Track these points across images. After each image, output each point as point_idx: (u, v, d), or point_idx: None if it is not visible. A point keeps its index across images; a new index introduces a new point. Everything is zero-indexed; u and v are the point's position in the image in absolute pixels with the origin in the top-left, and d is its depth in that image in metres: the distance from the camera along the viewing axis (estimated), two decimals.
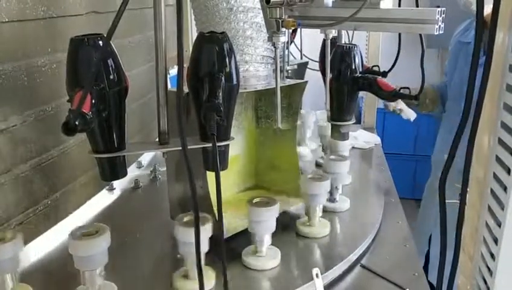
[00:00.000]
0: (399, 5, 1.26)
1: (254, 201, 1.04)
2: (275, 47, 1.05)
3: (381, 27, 0.99)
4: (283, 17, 1.02)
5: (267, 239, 1.05)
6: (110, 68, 0.84)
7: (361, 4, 0.95)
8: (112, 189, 1.50)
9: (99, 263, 0.86)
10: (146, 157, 1.77)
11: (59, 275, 1.01)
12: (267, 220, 1.02)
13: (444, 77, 2.15)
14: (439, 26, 0.90)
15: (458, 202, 0.67)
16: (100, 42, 0.83)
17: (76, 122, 0.74)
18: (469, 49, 1.87)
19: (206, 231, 0.90)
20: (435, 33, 0.90)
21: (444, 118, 2.07)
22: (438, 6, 0.92)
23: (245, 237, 1.08)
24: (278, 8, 1.01)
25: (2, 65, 1.01)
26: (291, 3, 1.01)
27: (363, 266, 1.10)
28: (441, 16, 0.90)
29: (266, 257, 1.05)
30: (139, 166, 1.70)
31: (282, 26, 1.02)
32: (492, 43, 0.59)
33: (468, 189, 0.67)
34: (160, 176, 1.60)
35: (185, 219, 0.93)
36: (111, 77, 0.84)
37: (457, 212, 0.66)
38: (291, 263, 1.08)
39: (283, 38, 1.04)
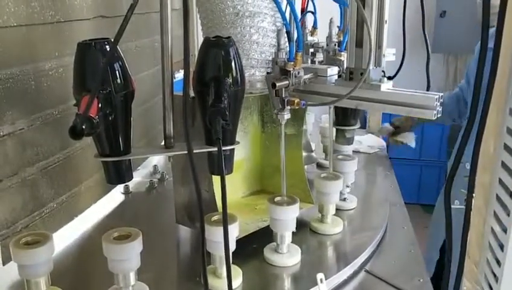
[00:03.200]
0: (404, 10, 1.26)
1: (275, 200, 1.07)
2: (280, 124, 1.09)
3: (381, 108, 1.05)
4: (289, 91, 1.07)
5: (288, 237, 1.08)
6: (117, 72, 0.85)
7: (362, 84, 1.01)
8: (127, 193, 1.52)
9: (133, 266, 0.88)
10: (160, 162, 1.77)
11: (66, 278, 1.01)
12: (289, 218, 1.06)
13: (459, 87, 2.11)
14: (437, 111, 0.95)
15: (464, 207, 0.67)
16: (107, 47, 0.84)
17: (83, 127, 0.75)
18: None
19: (234, 229, 0.94)
20: (433, 118, 0.96)
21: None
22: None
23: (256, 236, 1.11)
24: (284, 89, 1.05)
25: (10, 69, 1.02)
26: (296, 84, 1.06)
27: (367, 272, 1.09)
28: (438, 102, 0.95)
29: (287, 254, 1.09)
30: (155, 171, 1.70)
31: (287, 105, 1.07)
32: (498, 49, 0.59)
33: (473, 194, 0.67)
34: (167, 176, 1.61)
35: (213, 219, 0.95)
36: (118, 81, 0.84)
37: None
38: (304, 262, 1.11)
39: (287, 116, 1.09)
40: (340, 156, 1.38)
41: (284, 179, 1.11)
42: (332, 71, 1.15)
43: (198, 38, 1.12)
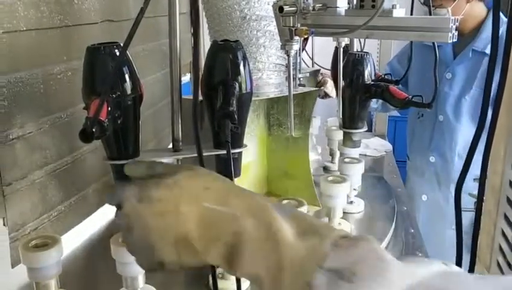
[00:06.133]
0: (411, 11, 1.27)
1: (283, 203, 1.06)
2: (288, 55, 1.06)
3: (393, 35, 0.99)
4: (296, 25, 1.03)
5: None
6: (126, 76, 0.85)
7: (374, 12, 0.95)
8: None
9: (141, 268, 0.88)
10: None
11: (75, 280, 1.01)
12: None
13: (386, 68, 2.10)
14: (453, 34, 0.89)
15: (473, 210, 0.67)
16: (116, 51, 0.85)
17: (94, 130, 0.75)
18: (439, 54, 1.83)
19: None
20: (448, 41, 0.90)
21: (421, 121, 2.00)
22: None
23: None
24: (291, 17, 1.02)
25: (19, 73, 1.03)
26: (305, 12, 1.02)
27: None
28: (454, 24, 0.89)
29: None
30: None
31: (295, 35, 1.03)
32: (508, 52, 0.59)
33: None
34: None
35: None
36: (127, 85, 0.85)
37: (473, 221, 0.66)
38: None
39: (296, 47, 1.05)
40: (346, 159, 1.37)
41: None
42: (342, 3, 1.09)
43: (204, 41, 1.13)
